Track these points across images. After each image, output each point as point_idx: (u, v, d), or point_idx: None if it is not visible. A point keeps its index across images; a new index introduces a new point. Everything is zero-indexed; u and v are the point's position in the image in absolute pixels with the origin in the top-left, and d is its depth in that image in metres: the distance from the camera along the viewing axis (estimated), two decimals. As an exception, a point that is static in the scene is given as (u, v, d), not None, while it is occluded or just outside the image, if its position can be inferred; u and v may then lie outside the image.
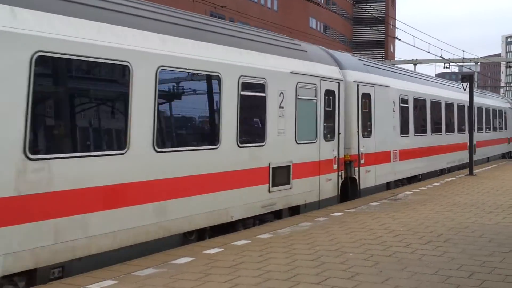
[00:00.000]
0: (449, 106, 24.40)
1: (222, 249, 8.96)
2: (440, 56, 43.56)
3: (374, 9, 61.73)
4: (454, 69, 56.34)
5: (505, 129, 36.99)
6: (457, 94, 25.64)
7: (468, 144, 23.29)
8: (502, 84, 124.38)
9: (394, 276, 7.43)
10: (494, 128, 33.57)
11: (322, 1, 72.10)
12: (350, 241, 9.56)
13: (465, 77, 23.63)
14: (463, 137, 25.35)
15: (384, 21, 77.45)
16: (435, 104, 22.51)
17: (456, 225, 11.08)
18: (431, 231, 10.51)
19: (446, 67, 48.59)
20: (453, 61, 46.32)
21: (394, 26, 59.53)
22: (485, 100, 31.98)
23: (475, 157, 25.58)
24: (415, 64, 49.17)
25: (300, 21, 66.52)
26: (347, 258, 8.40)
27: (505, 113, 37.09)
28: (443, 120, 23.50)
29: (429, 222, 11.48)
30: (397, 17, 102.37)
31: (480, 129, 29.67)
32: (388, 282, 7.14)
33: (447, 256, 8.51)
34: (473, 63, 52.70)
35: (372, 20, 72.40)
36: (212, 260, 8.27)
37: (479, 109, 29.81)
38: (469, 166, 22.37)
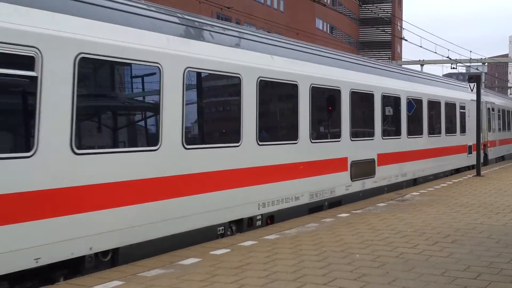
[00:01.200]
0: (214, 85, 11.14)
1: (229, 250, 8.96)
2: (447, 57, 43.48)
3: (380, 9, 61.61)
4: (461, 69, 56.23)
5: (463, 131, 24.78)
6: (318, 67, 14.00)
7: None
8: (510, 84, 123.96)
9: (401, 277, 7.42)
10: (437, 130, 21.65)
11: (329, 2, 72.10)
12: (356, 242, 9.55)
13: (472, 78, 23.56)
14: (297, 150, 12.81)
15: (391, 21, 77.34)
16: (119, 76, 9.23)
17: (463, 226, 11.05)
18: (438, 232, 10.48)
19: (453, 68, 48.50)
20: (460, 61, 46.21)
21: (401, 26, 59.43)
22: (420, 87, 20.28)
23: (373, 183, 16.22)
24: (422, 65, 49.10)
25: (306, 22, 66.51)
26: (353, 259, 8.39)
27: (462, 107, 24.67)
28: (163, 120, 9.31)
29: (436, 223, 11.45)
30: (403, 18, 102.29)
31: (387, 133, 17.27)
32: (395, 283, 7.13)
33: (454, 257, 8.49)
34: (480, 64, 52.55)
35: (378, 21, 72.34)
36: (218, 260, 8.28)
37: (392, 100, 17.83)
38: (477, 167, 22.27)
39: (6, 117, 7.19)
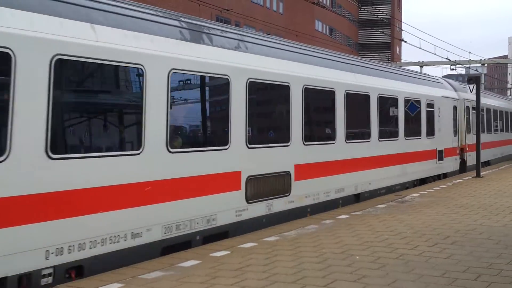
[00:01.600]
0: None
1: (229, 252, 8.97)
2: (447, 58, 43.55)
3: (379, 11, 61.66)
4: (461, 71, 56.29)
5: (430, 133, 20.46)
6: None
7: (475, 149, 22.64)
8: (509, 85, 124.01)
9: (400, 278, 7.42)
10: (392, 133, 17.52)
11: (328, 4, 72.19)
12: (356, 244, 9.56)
13: (472, 79, 23.59)
14: None
15: (390, 23, 77.41)
16: None
17: (463, 227, 11.06)
18: (438, 233, 10.49)
19: (453, 69, 48.58)
20: (459, 63, 46.27)
21: (400, 28, 59.49)
22: (366, 79, 16.12)
23: (287, 204, 12.20)
24: (421, 66, 49.14)
25: (306, 24, 66.58)
26: (353, 260, 8.40)
27: (430, 105, 20.40)
28: None
29: (436, 224, 11.45)
30: (403, 19, 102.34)
31: (311, 138, 13.28)
32: (394, 285, 7.13)
33: (454, 258, 8.49)
34: (480, 65, 52.60)
35: (378, 23, 72.44)
36: (218, 262, 8.28)
37: (322, 95, 13.95)
38: (476, 168, 22.28)
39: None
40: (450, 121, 22.68)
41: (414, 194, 16.50)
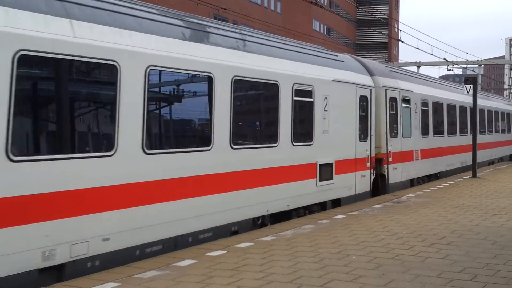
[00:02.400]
0: None
1: (225, 252, 8.96)
2: (444, 58, 43.64)
3: (377, 11, 61.71)
4: (458, 71, 56.40)
5: (303, 138, 12.96)
6: None
7: (471, 147, 22.65)
8: (506, 86, 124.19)
9: (396, 278, 7.42)
10: (196, 139, 10.19)
11: (326, 4, 72.19)
12: (353, 244, 9.56)
13: (469, 79, 23.60)
14: None
15: (387, 23, 77.48)
16: None
17: (459, 228, 11.07)
18: (434, 233, 10.50)
19: (450, 70, 48.66)
20: (456, 63, 46.37)
21: (398, 28, 59.53)
22: (111, 36, 8.16)
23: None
24: (418, 67, 49.19)
25: (303, 23, 66.55)
26: (350, 260, 8.40)
27: (303, 93, 12.86)
28: None
29: (432, 224, 11.47)
30: (400, 20, 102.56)
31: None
32: (390, 285, 7.14)
33: (450, 259, 8.50)
34: (477, 65, 52.74)
35: (375, 23, 72.52)
36: (214, 262, 8.27)
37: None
38: (473, 168, 22.32)
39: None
40: (352, 119, 15.17)
41: (410, 194, 16.52)
